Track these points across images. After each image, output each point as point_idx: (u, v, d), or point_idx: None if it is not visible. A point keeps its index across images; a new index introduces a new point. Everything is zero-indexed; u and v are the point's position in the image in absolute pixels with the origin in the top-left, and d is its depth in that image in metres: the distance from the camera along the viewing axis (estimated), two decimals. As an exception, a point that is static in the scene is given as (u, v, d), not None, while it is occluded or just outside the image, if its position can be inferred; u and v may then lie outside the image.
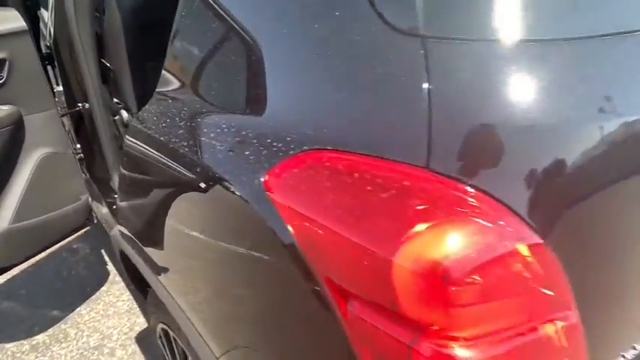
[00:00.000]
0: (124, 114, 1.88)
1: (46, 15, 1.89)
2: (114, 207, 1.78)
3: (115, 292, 2.16)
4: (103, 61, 1.82)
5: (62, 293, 2.17)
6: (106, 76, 1.86)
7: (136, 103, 1.79)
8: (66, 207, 1.78)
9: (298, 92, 0.69)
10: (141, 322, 1.98)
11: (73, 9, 1.56)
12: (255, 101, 0.74)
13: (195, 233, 0.85)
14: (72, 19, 1.58)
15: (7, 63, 1.45)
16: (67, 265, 2.33)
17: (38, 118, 1.62)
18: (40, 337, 1.95)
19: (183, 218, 0.90)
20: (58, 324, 2.00)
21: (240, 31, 0.78)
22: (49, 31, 1.80)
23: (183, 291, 1.01)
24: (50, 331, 1.97)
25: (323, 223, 0.56)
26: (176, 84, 0.97)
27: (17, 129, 1.56)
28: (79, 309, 2.07)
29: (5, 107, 1.51)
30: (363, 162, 0.56)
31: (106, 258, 2.37)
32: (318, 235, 0.57)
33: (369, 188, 0.54)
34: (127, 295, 2.13)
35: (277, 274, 0.67)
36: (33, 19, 2.17)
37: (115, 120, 1.89)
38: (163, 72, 1.01)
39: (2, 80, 1.47)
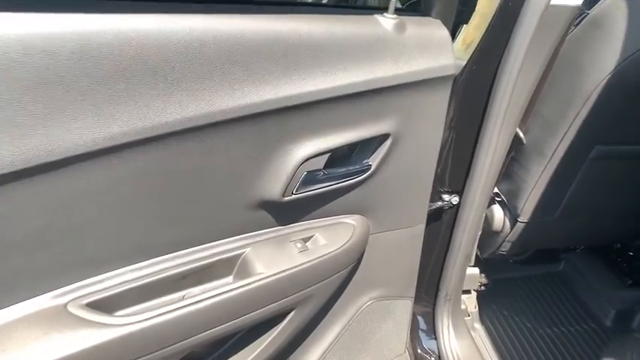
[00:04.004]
0: (497, 213, 1.24)
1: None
2: None
3: None
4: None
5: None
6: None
7: (543, 205, 1.14)
8: None
9: None
10: None
11: (535, 26, 0.83)
12: None
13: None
14: (520, 48, 0.85)
15: (388, 141, 0.77)
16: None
17: (396, 235, 0.90)
18: None
19: None
20: None
21: None
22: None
23: None
24: None
25: None
26: None
27: (354, 268, 0.87)
28: None
29: (350, 221, 0.83)
30: None
31: None
32: None
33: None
34: None
35: None
36: None
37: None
38: None
39: (367, 173, 0.77)
